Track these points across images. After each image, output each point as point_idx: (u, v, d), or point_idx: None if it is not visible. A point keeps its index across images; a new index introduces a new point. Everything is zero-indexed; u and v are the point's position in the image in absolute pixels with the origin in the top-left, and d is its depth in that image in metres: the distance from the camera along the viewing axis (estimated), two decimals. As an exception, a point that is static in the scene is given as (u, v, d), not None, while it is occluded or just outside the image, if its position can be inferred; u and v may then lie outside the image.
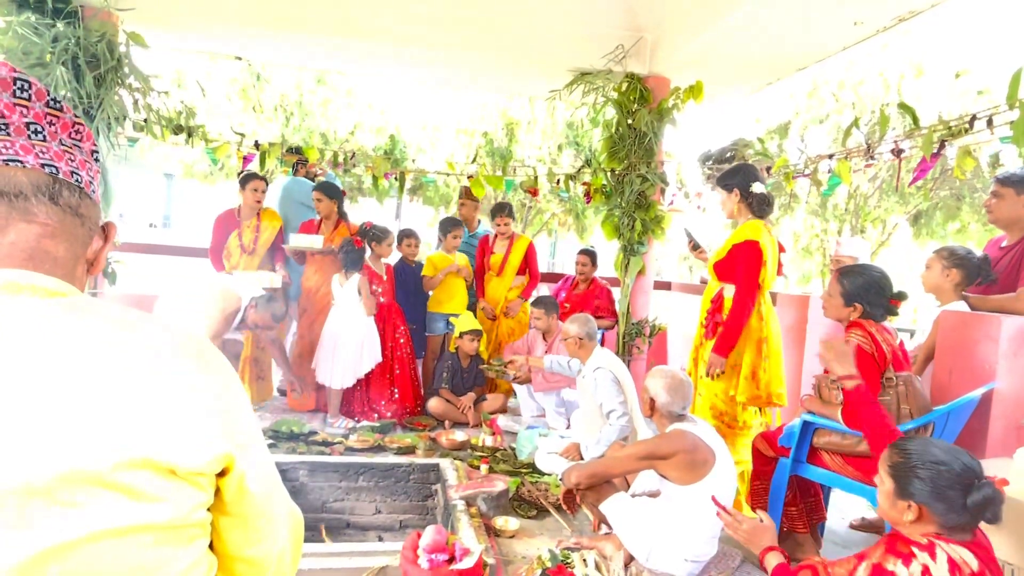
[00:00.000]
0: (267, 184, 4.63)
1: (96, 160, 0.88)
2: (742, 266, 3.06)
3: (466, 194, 5.39)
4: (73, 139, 0.85)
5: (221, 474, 0.81)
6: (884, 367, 2.44)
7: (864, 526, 3.28)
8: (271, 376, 4.80)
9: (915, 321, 10.41)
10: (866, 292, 2.51)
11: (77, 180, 0.84)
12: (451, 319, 4.84)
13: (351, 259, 4.34)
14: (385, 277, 4.65)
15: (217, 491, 0.82)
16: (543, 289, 6.01)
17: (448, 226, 5.00)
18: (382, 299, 4.60)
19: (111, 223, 0.90)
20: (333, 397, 4.33)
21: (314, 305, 4.59)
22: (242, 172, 4.66)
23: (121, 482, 0.70)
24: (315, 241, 4.46)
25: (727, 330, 3.08)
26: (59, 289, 0.78)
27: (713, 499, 2.14)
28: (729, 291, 3.15)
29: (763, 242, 3.04)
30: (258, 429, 0.88)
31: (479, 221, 5.53)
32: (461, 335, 4.60)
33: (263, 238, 4.56)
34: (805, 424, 2.62)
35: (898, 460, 1.63)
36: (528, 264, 5.13)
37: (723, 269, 3.19)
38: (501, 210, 5.02)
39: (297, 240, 4.48)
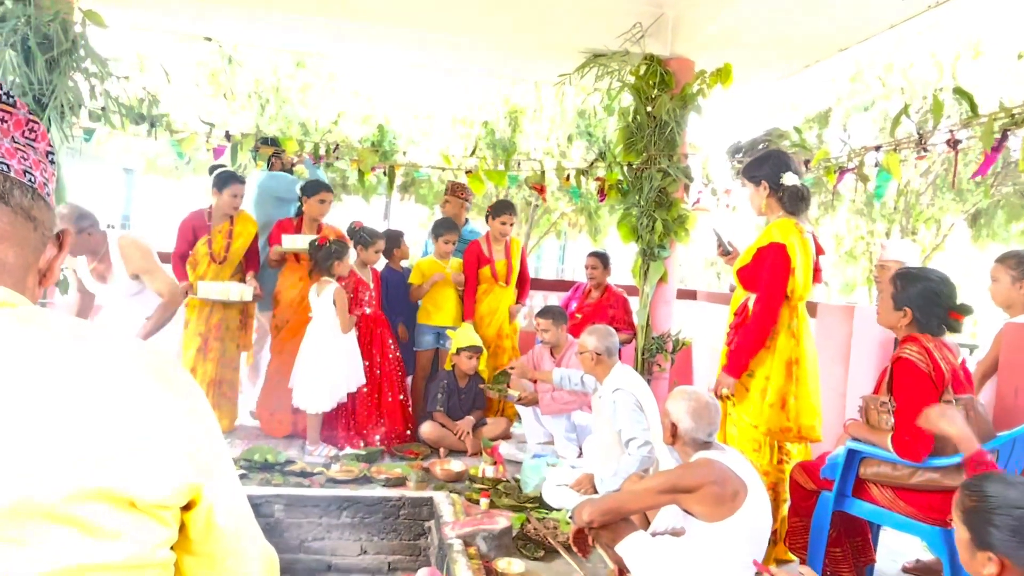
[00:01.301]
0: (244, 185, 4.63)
1: (52, 162, 0.90)
2: (765, 273, 3.02)
3: (452, 190, 5.39)
4: (27, 137, 0.86)
5: (187, 507, 0.81)
6: (942, 388, 2.43)
7: (919, 569, 3.25)
8: (237, 399, 4.79)
9: (975, 335, 10.36)
10: (919, 298, 2.51)
11: (30, 180, 0.85)
12: (448, 332, 4.85)
13: (319, 260, 4.27)
14: (371, 285, 4.66)
15: (182, 527, 0.82)
16: (552, 299, 6.01)
17: (440, 229, 4.99)
18: (368, 309, 4.60)
19: (67, 230, 0.91)
20: (312, 422, 4.33)
21: (297, 318, 4.58)
22: (219, 169, 4.63)
23: (74, 515, 0.70)
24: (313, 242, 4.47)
25: (740, 346, 3.04)
26: (7, 299, 0.79)
27: (755, 563, 2.14)
28: (754, 302, 3.13)
29: (791, 244, 2.99)
30: (228, 457, 0.88)
31: (467, 220, 5.53)
32: (458, 351, 4.60)
33: (236, 245, 4.56)
34: (850, 453, 2.61)
35: (972, 505, 1.60)
36: (521, 267, 5.17)
37: (748, 276, 3.15)
38: (507, 209, 5.01)
39: (292, 241, 4.49)
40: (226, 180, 4.47)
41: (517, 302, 5.18)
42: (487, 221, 5.08)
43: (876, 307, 2.68)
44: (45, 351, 0.75)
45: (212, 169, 4.68)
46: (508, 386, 4.54)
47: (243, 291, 4.44)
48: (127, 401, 0.76)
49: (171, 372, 0.83)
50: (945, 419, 2.22)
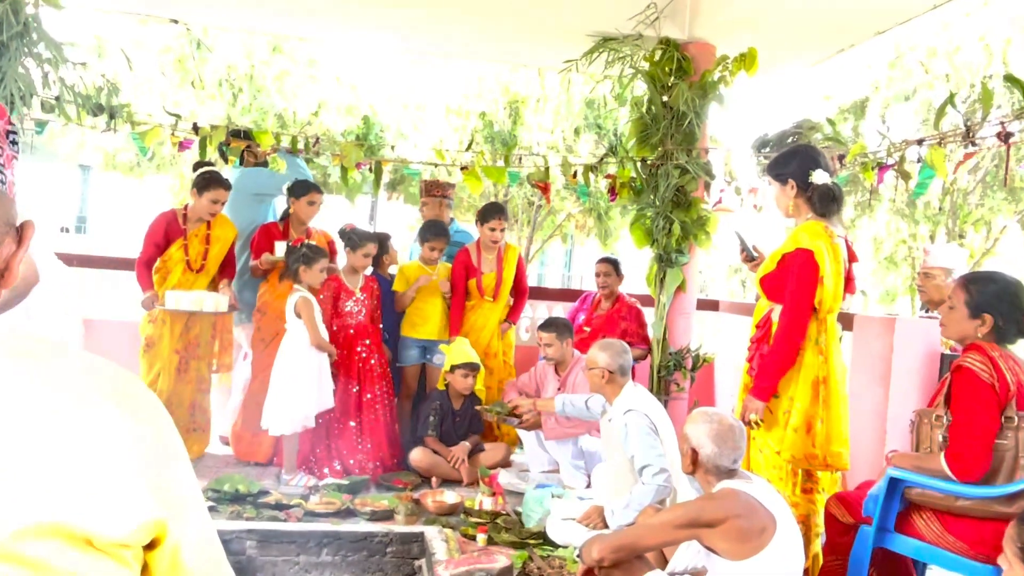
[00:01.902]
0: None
1: (13, 143, 0.90)
2: (791, 282, 3.02)
3: (427, 190, 5.41)
4: None
5: (150, 546, 0.81)
6: (1005, 401, 2.45)
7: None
8: (209, 424, 4.79)
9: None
10: (999, 302, 2.54)
11: None
12: (441, 347, 4.84)
13: (287, 265, 4.30)
14: (360, 295, 4.65)
15: (145, 567, 0.82)
16: (557, 310, 6.02)
17: (427, 234, 5.01)
18: (360, 319, 4.60)
19: (29, 222, 0.91)
20: (288, 447, 4.32)
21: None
22: (203, 168, 4.61)
23: (24, 554, 0.70)
24: None
25: (766, 366, 3.04)
26: (-50, 311, 0.79)
27: None
28: (778, 314, 3.13)
29: (819, 250, 3.00)
30: (197, 489, 0.88)
31: (451, 220, 5.54)
32: (453, 369, 4.60)
33: (214, 251, 4.55)
34: (892, 481, 2.61)
35: None
36: (518, 279, 5.16)
37: (771, 285, 3.15)
38: (496, 212, 5.02)
39: (282, 250, 4.50)
40: (208, 183, 4.43)
41: (507, 319, 5.16)
42: (477, 227, 5.11)
43: (941, 317, 2.70)
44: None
45: (196, 166, 4.66)
46: (511, 412, 4.52)
47: (218, 301, 4.43)
48: (84, 427, 0.76)
49: (134, 394, 0.83)
50: None
